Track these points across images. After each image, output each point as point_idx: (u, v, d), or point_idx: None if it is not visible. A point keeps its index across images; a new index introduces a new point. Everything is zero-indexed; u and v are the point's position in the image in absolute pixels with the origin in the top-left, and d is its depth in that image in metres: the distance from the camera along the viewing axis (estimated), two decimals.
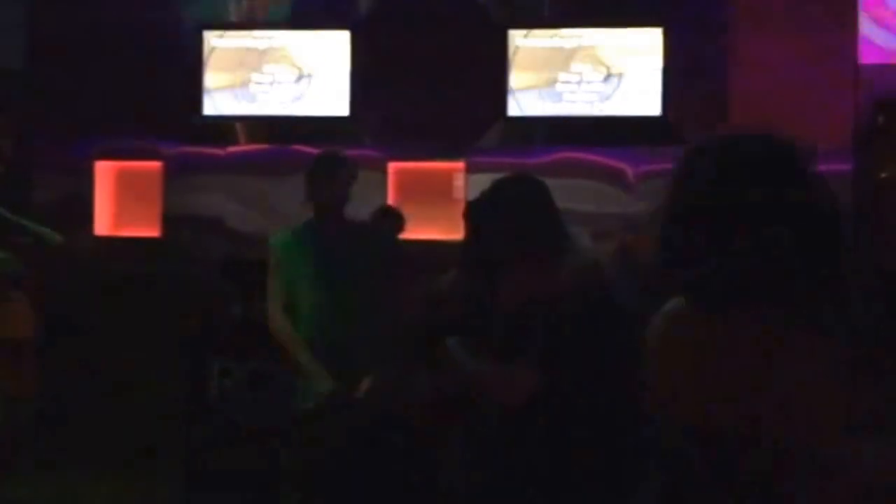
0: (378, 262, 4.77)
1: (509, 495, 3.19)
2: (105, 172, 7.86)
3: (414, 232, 7.20)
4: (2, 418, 5.31)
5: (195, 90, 7.53)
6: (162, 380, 7.02)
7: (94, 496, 6.26)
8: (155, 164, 7.76)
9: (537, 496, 3.10)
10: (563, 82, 7.19)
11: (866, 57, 7.14)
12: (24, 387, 5.33)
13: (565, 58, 7.20)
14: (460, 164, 7.38)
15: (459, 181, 7.38)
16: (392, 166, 7.50)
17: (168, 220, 7.72)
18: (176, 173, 7.71)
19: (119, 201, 7.90)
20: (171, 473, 6.38)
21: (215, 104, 7.55)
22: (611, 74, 7.15)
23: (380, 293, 4.70)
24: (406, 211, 7.12)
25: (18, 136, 7.86)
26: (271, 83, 7.52)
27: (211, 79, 7.55)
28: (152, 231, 7.76)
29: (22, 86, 7.80)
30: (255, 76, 7.53)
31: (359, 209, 6.91)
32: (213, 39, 7.57)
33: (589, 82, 7.18)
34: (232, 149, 7.73)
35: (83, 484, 6.40)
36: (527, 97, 7.23)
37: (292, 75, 7.49)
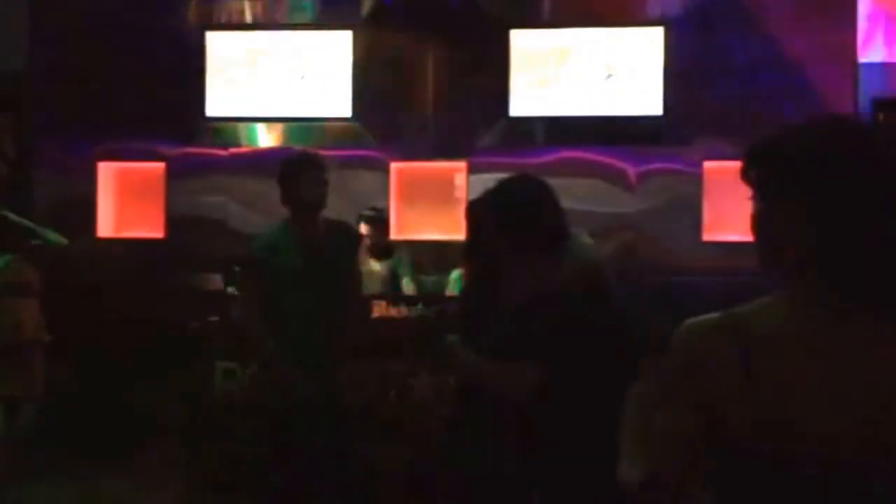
0: (352, 261, 4.80)
1: (513, 485, 3.23)
2: (107, 174, 7.87)
3: (415, 232, 7.22)
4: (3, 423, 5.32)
5: (198, 91, 7.55)
6: (164, 381, 7.04)
7: (95, 496, 6.27)
8: (157, 166, 7.77)
9: (538, 487, 3.14)
10: (563, 82, 7.21)
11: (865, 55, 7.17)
12: (32, 388, 5.35)
13: (566, 57, 7.21)
14: (462, 164, 7.40)
15: (461, 181, 7.40)
16: (394, 166, 7.52)
17: (171, 222, 7.74)
18: (178, 174, 7.73)
19: (122, 203, 7.92)
20: (173, 474, 6.40)
21: (218, 105, 7.57)
22: (611, 74, 7.17)
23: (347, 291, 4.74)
24: (408, 211, 7.14)
25: (21, 137, 7.88)
26: (274, 84, 7.54)
27: (213, 80, 7.56)
28: (155, 232, 7.77)
29: (24, 87, 7.81)
30: (257, 77, 7.55)
31: (360, 209, 6.98)
32: (216, 40, 7.59)
33: (589, 82, 7.20)
34: (234, 150, 7.74)
35: (84, 484, 6.41)
36: (527, 97, 7.25)
37: (295, 76, 7.51)
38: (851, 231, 1.55)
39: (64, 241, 5.45)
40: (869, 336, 1.55)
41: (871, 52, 7.19)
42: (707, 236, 7.15)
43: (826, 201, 1.56)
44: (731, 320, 1.65)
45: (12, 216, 5.45)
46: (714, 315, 1.68)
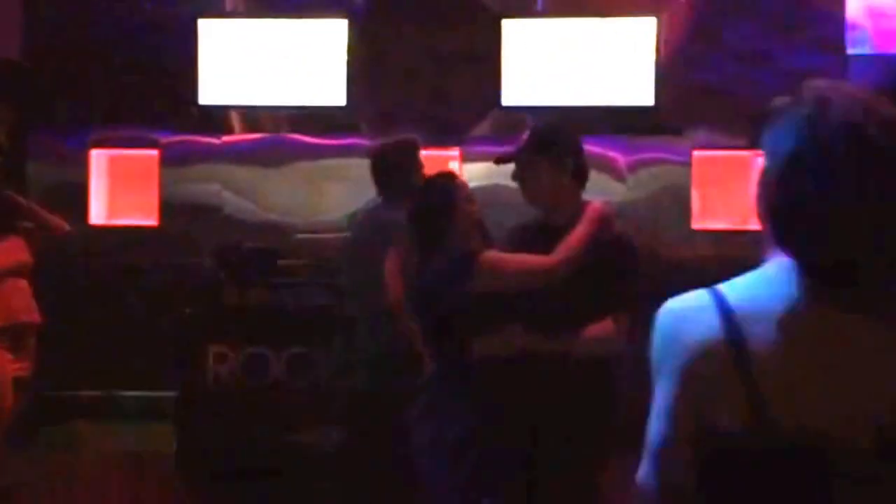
0: None
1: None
2: (101, 161, 7.88)
3: None
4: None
5: (192, 78, 7.55)
6: (157, 366, 7.06)
7: (91, 483, 6.30)
8: (151, 153, 7.78)
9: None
10: (556, 72, 7.25)
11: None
12: (26, 370, 5.37)
13: (559, 47, 7.25)
14: (455, 153, 7.44)
15: (454, 169, 7.43)
16: None
17: (164, 209, 7.75)
18: (172, 162, 7.75)
19: (115, 190, 7.93)
20: (166, 459, 6.43)
21: (212, 93, 7.58)
22: (604, 64, 7.21)
23: None
24: None
25: (14, 124, 7.89)
26: (268, 72, 7.55)
27: (207, 67, 7.57)
28: (149, 220, 7.78)
29: (18, 74, 7.81)
30: (251, 65, 7.55)
31: (357, 198, 7.01)
32: (210, 28, 7.59)
33: (582, 72, 7.24)
34: (228, 138, 7.76)
35: (79, 469, 6.44)
36: (521, 86, 7.28)
37: (289, 64, 7.52)
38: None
39: (66, 226, 5.46)
40: (856, 325, 1.46)
41: (860, 43, 7.24)
42: (697, 225, 7.20)
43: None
44: (717, 297, 1.48)
45: (17, 197, 5.48)
46: (697, 292, 1.52)
